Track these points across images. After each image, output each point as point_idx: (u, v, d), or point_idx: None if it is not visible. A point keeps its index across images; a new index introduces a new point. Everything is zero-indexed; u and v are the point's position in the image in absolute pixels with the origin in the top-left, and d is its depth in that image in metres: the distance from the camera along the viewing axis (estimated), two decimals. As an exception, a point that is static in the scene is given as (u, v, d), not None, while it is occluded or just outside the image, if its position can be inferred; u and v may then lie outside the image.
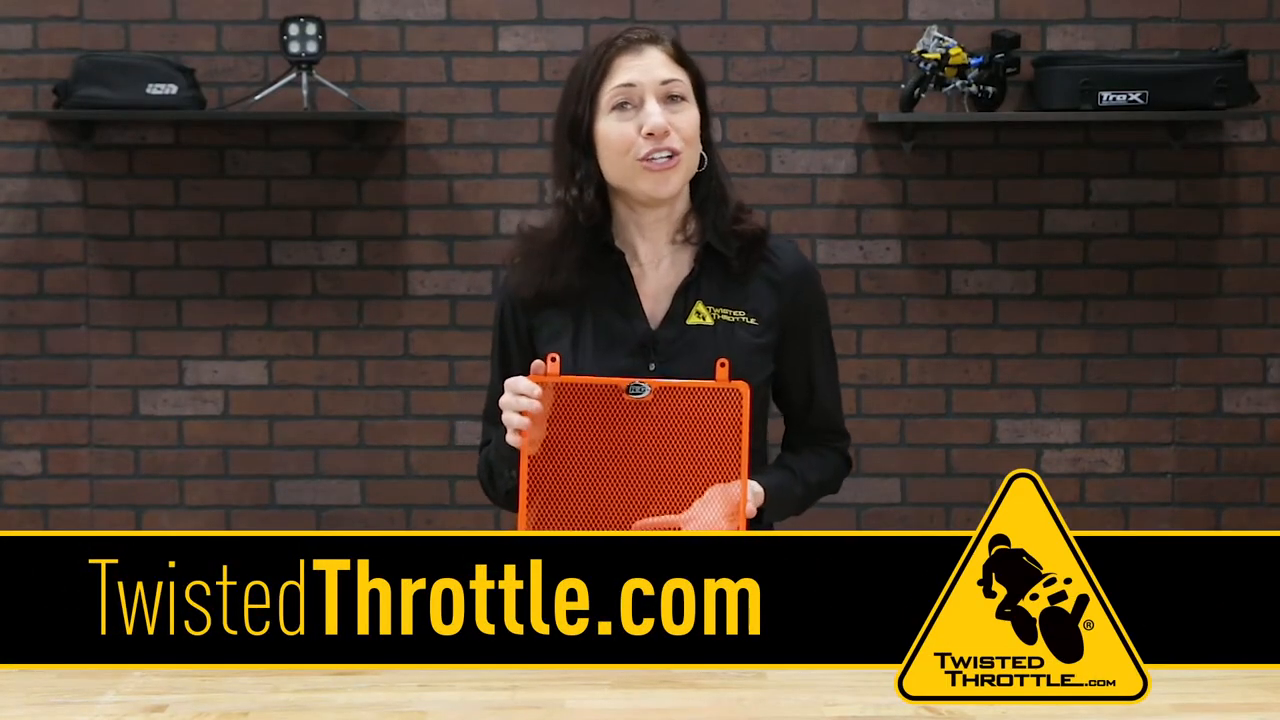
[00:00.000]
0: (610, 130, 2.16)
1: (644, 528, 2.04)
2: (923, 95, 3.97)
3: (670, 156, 2.15)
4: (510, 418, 2.08)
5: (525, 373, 2.24)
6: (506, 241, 4.09)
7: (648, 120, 2.14)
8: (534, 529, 2.07)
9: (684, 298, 2.21)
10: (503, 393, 2.14)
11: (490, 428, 2.26)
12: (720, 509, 2.04)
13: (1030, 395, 4.16)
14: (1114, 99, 3.92)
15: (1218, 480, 4.19)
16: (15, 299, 4.11)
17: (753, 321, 2.21)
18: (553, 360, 2.08)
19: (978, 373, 4.16)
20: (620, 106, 2.16)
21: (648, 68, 2.17)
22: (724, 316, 2.21)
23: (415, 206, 4.12)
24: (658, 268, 2.24)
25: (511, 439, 2.09)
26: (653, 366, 2.18)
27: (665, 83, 2.17)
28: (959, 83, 3.96)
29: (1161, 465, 4.18)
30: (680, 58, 2.21)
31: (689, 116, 2.18)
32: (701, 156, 2.22)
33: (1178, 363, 4.17)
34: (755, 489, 2.13)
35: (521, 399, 2.06)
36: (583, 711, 1.82)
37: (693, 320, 2.20)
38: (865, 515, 4.16)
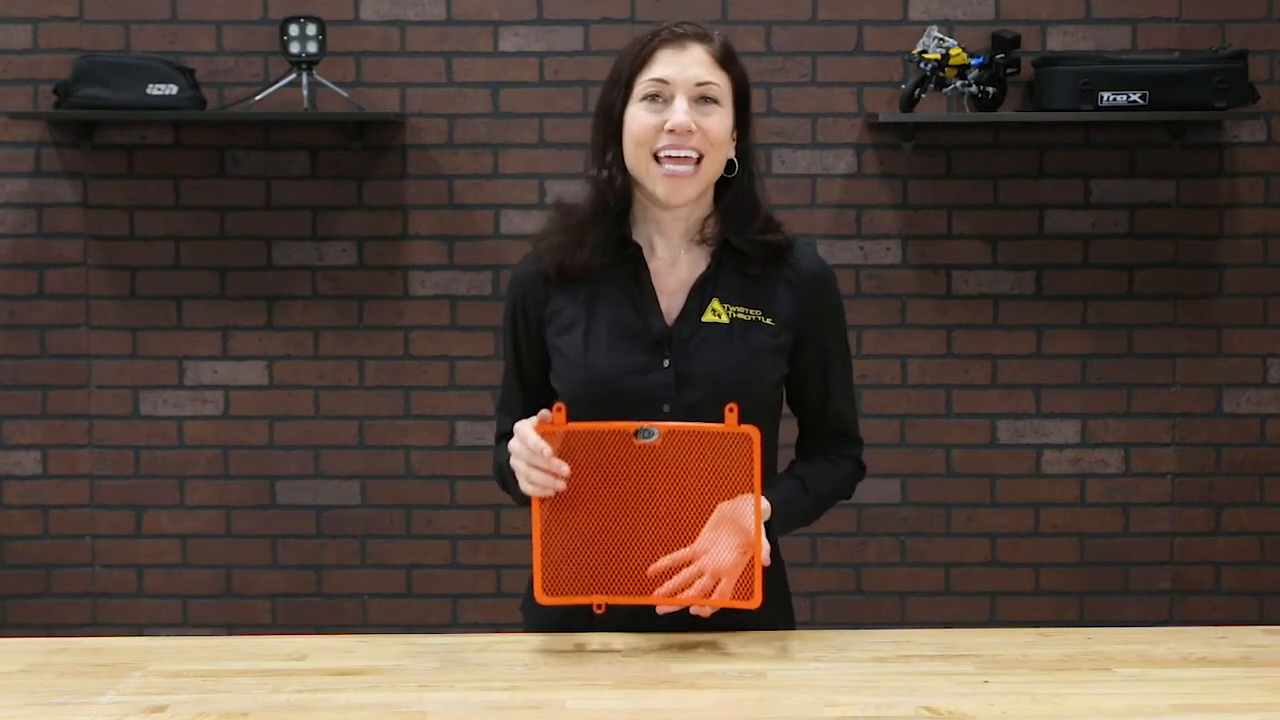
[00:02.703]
0: (634, 119, 2.15)
1: (659, 570, 2.02)
2: (923, 95, 3.96)
3: (697, 161, 2.13)
4: (523, 471, 2.03)
5: (536, 367, 2.25)
6: (507, 241, 4.09)
7: (672, 117, 2.12)
8: (550, 576, 2.03)
9: (700, 294, 2.19)
10: (515, 386, 2.24)
11: (505, 418, 2.25)
12: (732, 540, 2.01)
13: (1030, 395, 4.16)
14: (1114, 99, 3.92)
15: (1218, 480, 4.19)
16: (15, 299, 4.11)
17: (769, 322, 2.19)
18: (558, 410, 2.03)
19: (978, 373, 4.16)
20: (650, 98, 2.14)
21: (686, 65, 2.14)
22: (740, 315, 2.18)
23: (415, 206, 4.11)
24: (674, 264, 2.22)
25: (526, 489, 2.05)
26: (666, 363, 2.15)
27: (700, 84, 2.14)
28: (959, 83, 3.96)
29: (1161, 465, 4.18)
30: (725, 61, 2.18)
31: (718, 120, 2.15)
32: (732, 162, 2.20)
33: (1178, 363, 4.16)
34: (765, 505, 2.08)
35: (536, 473, 2.01)
36: (583, 711, 1.81)
37: (708, 318, 2.18)
38: (865, 515, 4.15)
